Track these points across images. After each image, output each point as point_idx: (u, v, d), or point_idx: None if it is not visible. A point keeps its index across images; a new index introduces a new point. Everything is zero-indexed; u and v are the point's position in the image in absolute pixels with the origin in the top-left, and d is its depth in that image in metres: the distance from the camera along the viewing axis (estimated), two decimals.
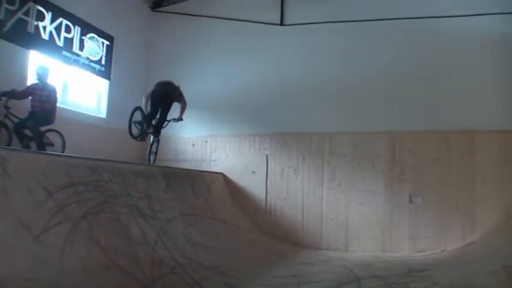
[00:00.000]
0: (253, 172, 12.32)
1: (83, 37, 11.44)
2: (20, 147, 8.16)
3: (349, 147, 11.48)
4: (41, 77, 8.87)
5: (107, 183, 6.91)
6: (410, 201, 10.69)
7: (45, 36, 10.22)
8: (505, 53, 10.40)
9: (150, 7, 14.29)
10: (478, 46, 10.62)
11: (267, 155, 12.31)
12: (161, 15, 14.26)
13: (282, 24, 12.74)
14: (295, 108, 12.16)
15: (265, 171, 12.26)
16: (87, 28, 11.57)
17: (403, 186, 10.87)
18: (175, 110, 10.60)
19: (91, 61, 11.75)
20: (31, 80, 9.36)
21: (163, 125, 10.54)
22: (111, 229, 6.24)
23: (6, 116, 8.34)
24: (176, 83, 10.60)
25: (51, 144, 9.03)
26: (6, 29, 9.16)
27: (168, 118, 10.54)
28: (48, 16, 10.26)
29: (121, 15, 12.84)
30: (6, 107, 8.34)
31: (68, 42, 10.96)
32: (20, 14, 9.47)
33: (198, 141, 13.25)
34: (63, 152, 8.87)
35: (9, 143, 8.15)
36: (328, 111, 11.80)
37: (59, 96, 9.37)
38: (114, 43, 12.64)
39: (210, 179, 11.54)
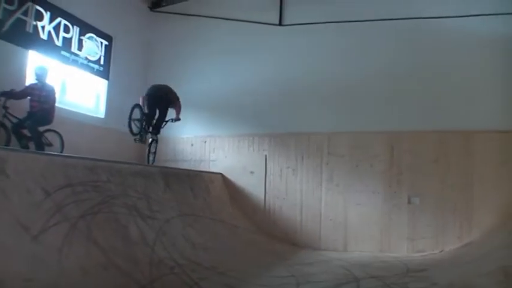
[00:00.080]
0: (252, 172, 12.33)
1: (82, 37, 11.42)
2: (19, 147, 8.15)
3: (348, 148, 11.49)
4: (40, 77, 8.87)
5: (105, 184, 6.90)
6: (409, 202, 10.71)
7: (43, 36, 10.20)
8: (505, 54, 10.41)
9: (148, 7, 14.28)
10: (477, 46, 10.64)
11: (265, 155, 12.32)
12: (160, 15, 14.25)
13: (280, 24, 12.75)
14: (294, 108, 12.17)
15: (264, 172, 12.26)
16: (85, 28, 11.55)
17: (401, 186, 10.88)
18: (172, 111, 10.60)
19: (89, 61, 11.73)
20: (30, 80, 9.35)
21: (162, 126, 10.54)
22: (109, 229, 6.23)
23: (4, 116, 8.35)
24: (170, 86, 10.64)
25: (50, 144, 9.03)
26: (4, 29, 9.15)
27: (166, 119, 10.54)
28: (46, 16, 10.25)
29: (120, 15, 12.83)
30: (5, 107, 8.35)
31: (67, 42, 10.94)
32: (18, 14, 9.46)
33: (197, 141, 13.24)
34: (61, 152, 8.86)
35: (7, 143, 8.15)
36: (327, 111, 11.81)
37: (57, 96, 9.35)
38: (113, 43, 12.63)
39: (208, 179, 11.53)
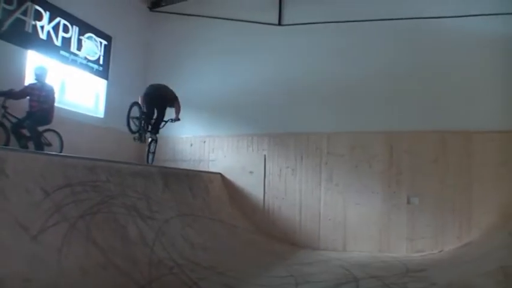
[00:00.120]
0: (251, 172, 12.33)
1: (81, 37, 11.42)
2: (18, 147, 8.14)
3: (347, 148, 11.49)
4: (39, 77, 8.87)
5: (104, 184, 6.90)
6: (408, 202, 10.71)
7: (43, 36, 10.20)
8: (505, 54, 10.41)
9: (148, 7, 14.28)
10: (477, 47, 10.64)
11: (265, 155, 12.32)
12: (159, 15, 14.25)
13: (279, 24, 12.75)
14: (293, 108, 12.18)
15: (263, 172, 12.26)
16: (85, 28, 11.55)
17: (400, 186, 10.88)
18: (172, 111, 10.59)
19: (89, 61, 11.73)
20: (29, 79, 9.35)
21: (161, 126, 10.54)
22: (108, 229, 6.23)
23: (4, 116, 8.35)
24: (170, 86, 10.64)
25: (49, 144, 9.03)
26: (4, 28, 9.15)
27: (166, 119, 10.53)
28: (46, 16, 10.24)
29: (119, 15, 12.83)
30: (4, 107, 8.35)
31: (66, 42, 10.94)
32: (17, 14, 9.46)
33: (196, 141, 13.24)
34: (61, 152, 8.86)
35: (7, 143, 8.14)
36: (326, 111, 11.81)
37: (56, 96, 9.34)
38: (112, 43, 12.63)
39: (208, 179, 11.53)
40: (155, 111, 10.31)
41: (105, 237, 6.00)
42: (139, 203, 7.46)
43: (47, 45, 10.33)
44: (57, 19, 10.60)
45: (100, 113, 12.23)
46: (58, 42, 10.66)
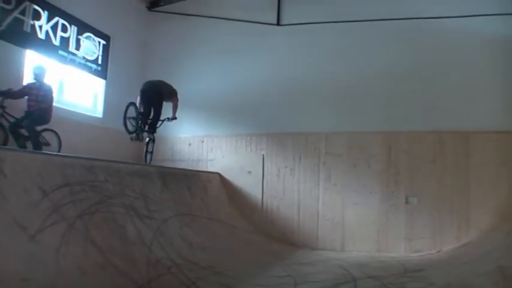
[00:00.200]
0: (249, 172, 12.32)
1: (79, 36, 11.41)
2: (16, 147, 8.14)
3: (345, 148, 11.50)
4: (38, 77, 8.86)
5: (102, 183, 6.90)
6: (406, 202, 10.72)
7: (41, 35, 10.19)
8: (505, 54, 10.43)
9: (146, 7, 14.27)
10: (476, 47, 10.66)
11: (263, 155, 12.31)
12: (158, 15, 14.24)
13: (278, 24, 12.75)
14: (291, 108, 12.18)
15: (261, 171, 12.26)
16: (83, 27, 11.53)
17: (398, 186, 10.89)
18: (169, 109, 10.59)
19: (87, 60, 11.72)
20: (27, 79, 9.34)
21: (158, 125, 10.52)
22: (107, 229, 6.24)
23: (2, 115, 8.33)
24: (168, 82, 10.62)
25: (47, 144, 9.02)
26: (2, 28, 9.12)
27: (162, 118, 10.52)
28: (44, 15, 10.23)
29: (117, 14, 12.82)
30: (2, 107, 8.34)
31: (64, 41, 10.92)
32: (16, 13, 9.44)
33: (195, 141, 13.23)
34: (59, 152, 8.85)
35: (5, 143, 8.14)
36: (324, 111, 11.81)
37: (55, 95, 9.33)
38: (111, 42, 12.62)
39: (206, 178, 11.53)
40: (152, 108, 10.28)
41: (104, 237, 6.01)
42: (138, 203, 7.47)
43: (45, 45, 10.31)
44: (56, 19, 10.59)
45: (98, 112, 12.22)
46: (56, 42, 10.65)
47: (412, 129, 10.91)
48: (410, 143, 10.93)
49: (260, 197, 12.14)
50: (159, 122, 10.51)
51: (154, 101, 10.27)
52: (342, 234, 11.16)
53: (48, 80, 9.18)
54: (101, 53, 12.24)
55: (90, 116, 11.85)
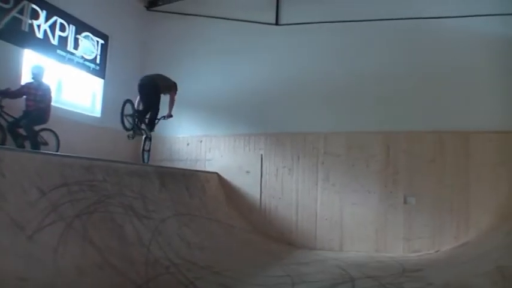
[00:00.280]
0: (247, 172, 12.32)
1: (78, 36, 11.40)
2: (14, 147, 8.13)
3: (344, 147, 11.48)
4: (36, 76, 8.85)
5: (101, 183, 6.90)
6: (405, 202, 10.71)
7: (39, 35, 10.17)
8: (504, 54, 10.40)
9: (145, 6, 14.27)
10: (475, 47, 10.64)
11: (261, 155, 12.31)
12: (156, 15, 14.24)
13: (277, 24, 12.74)
14: (290, 108, 12.17)
15: (259, 171, 12.25)
16: (81, 27, 11.53)
17: (397, 186, 10.88)
18: (165, 108, 10.57)
19: (86, 60, 11.71)
20: (25, 79, 9.32)
21: (156, 122, 10.46)
22: (105, 229, 6.23)
23: (0, 115, 8.33)
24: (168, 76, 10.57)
25: (46, 144, 9.02)
26: (0, 27, 9.12)
27: (158, 116, 10.46)
28: (42, 15, 10.22)
29: (116, 14, 12.82)
30: (0, 106, 8.34)
31: (63, 41, 10.92)
32: (14, 13, 9.42)
33: (193, 140, 13.23)
34: (57, 151, 8.85)
35: (3, 142, 8.14)
36: (323, 111, 11.80)
37: (53, 95, 9.34)
38: (109, 42, 12.62)
39: (204, 178, 11.52)
40: (149, 103, 10.16)
41: (102, 236, 6.00)
42: (136, 203, 7.46)
43: (43, 44, 10.30)
44: (54, 18, 10.58)
45: (97, 112, 12.22)
46: (55, 41, 10.64)
47: (411, 129, 10.90)
48: (409, 143, 10.92)
49: (258, 196, 12.13)
50: (156, 121, 10.46)
51: (151, 95, 10.12)
52: (340, 234, 11.16)
53: (46, 80, 9.16)
54: (99, 52, 12.23)
55: (89, 116, 11.85)
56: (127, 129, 9.62)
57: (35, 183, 5.40)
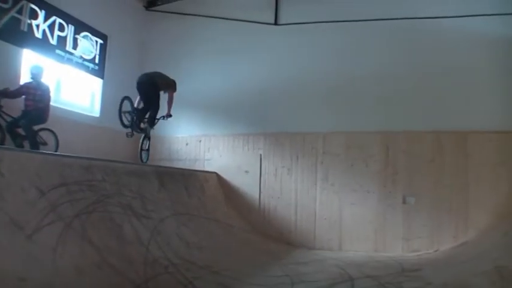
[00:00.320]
0: (246, 172, 12.32)
1: (77, 36, 11.40)
2: (13, 146, 8.13)
3: (343, 147, 11.48)
4: (35, 76, 8.85)
5: (100, 183, 6.90)
6: (404, 202, 10.71)
7: (38, 34, 10.17)
8: (503, 54, 10.40)
9: (144, 6, 14.28)
10: (475, 47, 10.63)
11: (260, 155, 12.31)
12: (155, 14, 14.25)
13: (276, 23, 12.74)
14: (289, 107, 12.17)
15: (258, 171, 12.26)
16: (80, 27, 11.52)
17: (396, 186, 10.88)
18: (165, 108, 10.55)
19: (84, 60, 11.70)
20: (24, 78, 9.32)
21: (155, 122, 10.45)
22: (104, 228, 6.23)
23: None
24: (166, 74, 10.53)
25: (45, 143, 9.02)
26: None
27: (158, 116, 10.43)
28: (41, 14, 10.21)
29: (115, 14, 12.82)
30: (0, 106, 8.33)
31: (62, 40, 10.92)
32: (13, 13, 9.42)
33: (192, 140, 13.23)
34: (56, 151, 8.85)
35: (2, 142, 8.15)
36: (322, 110, 11.80)
37: (52, 95, 9.35)
38: (108, 42, 12.61)
39: (203, 178, 11.53)
40: (148, 101, 10.09)
41: (101, 236, 6.00)
42: (135, 202, 7.47)
43: (42, 44, 10.30)
44: (53, 18, 10.57)
45: (96, 112, 12.22)
46: (54, 41, 10.64)
47: (410, 129, 10.90)
48: (408, 142, 10.91)
49: (257, 196, 12.14)
50: (155, 120, 10.45)
51: (150, 93, 10.06)
52: (339, 234, 11.16)
53: (45, 80, 9.16)
54: (98, 52, 12.23)
55: (87, 116, 11.85)
56: (125, 126, 9.60)
57: (34, 183, 5.41)
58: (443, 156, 10.59)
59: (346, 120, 11.52)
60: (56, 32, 10.70)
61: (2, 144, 7.91)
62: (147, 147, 10.66)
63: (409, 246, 10.46)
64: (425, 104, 10.84)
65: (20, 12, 9.62)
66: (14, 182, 5.08)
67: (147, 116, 10.16)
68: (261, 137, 12.37)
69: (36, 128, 8.78)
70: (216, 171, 12.56)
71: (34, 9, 10.01)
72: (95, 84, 12.27)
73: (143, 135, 10.38)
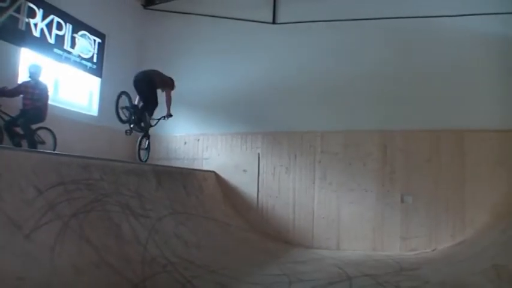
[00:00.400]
0: (244, 170, 12.32)
1: (75, 34, 11.38)
2: (11, 145, 8.12)
3: (341, 146, 11.49)
4: (33, 75, 8.83)
5: (98, 182, 6.88)
6: (402, 201, 10.72)
7: (36, 33, 10.15)
8: (501, 53, 10.41)
9: (142, 5, 14.27)
10: (472, 46, 10.64)
11: (258, 154, 12.32)
12: (153, 13, 14.23)
13: (274, 22, 12.74)
14: (287, 106, 12.17)
15: (256, 170, 12.26)
16: (78, 25, 11.51)
17: (394, 185, 10.89)
18: (164, 108, 10.52)
19: (82, 59, 11.69)
20: (22, 77, 9.31)
21: (154, 123, 10.44)
22: (102, 227, 6.23)
23: None
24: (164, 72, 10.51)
25: (43, 142, 9.01)
26: None
27: (157, 117, 10.42)
28: (39, 13, 10.20)
29: (113, 12, 12.80)
30: None
31: (60, 39, 10.90)
32: (11, 11, 9.40)
33: (190, 139, 13.23)
34: (54, 150, 8.84)
35: (0, 141, 8.12)
36: (320, 109, 11.81)
37: (50, 94, 9.32)
38: (106, 41, 12.60)
39: (201, 177, 11.52)
40: (147, 100, 10.04)
41: (99, 235, 6.00)
42: (133, 201, 7.46)
43: (40, 43, 10.29)
44: (51, 17, 10.56)
45: (94, 111, 12.20)
46: (51, 40, 10.62)
47: (408, 128, 10.91)
48: (406, 141, 10.93)
49: (255, 195, 12.14)
50: (155, 121, 10.44)
51: (147, 91, 10.01)
52: (337, 232, 11.17)
53: (43, 78, 9.13)
54: (96, 51, 12.22)
55: (86, 115, 11.83)
56: (122, 122, 9.53)
57: (31, 182, 5.40)
58: (440, 155, 10.60)
59: (344, 119, 11.53)
60: (54, 31, 10.68)
61: None
62: (146, 146, 10.61)
63: (407, 245, 10.47)
64: (423, 103, 10.85)
65: (18, 10, 9.60)
66: (11, 181, 5.07)
67: (146, 113, 10.12)
68: (259, 136, 12.37)
69: (34, 127, 8.76)
70: (214, 170, 12.55)
71: (32, 8, 9.99)
72: (93, 83, 12.25)
73: (142, 134, 10.34)
